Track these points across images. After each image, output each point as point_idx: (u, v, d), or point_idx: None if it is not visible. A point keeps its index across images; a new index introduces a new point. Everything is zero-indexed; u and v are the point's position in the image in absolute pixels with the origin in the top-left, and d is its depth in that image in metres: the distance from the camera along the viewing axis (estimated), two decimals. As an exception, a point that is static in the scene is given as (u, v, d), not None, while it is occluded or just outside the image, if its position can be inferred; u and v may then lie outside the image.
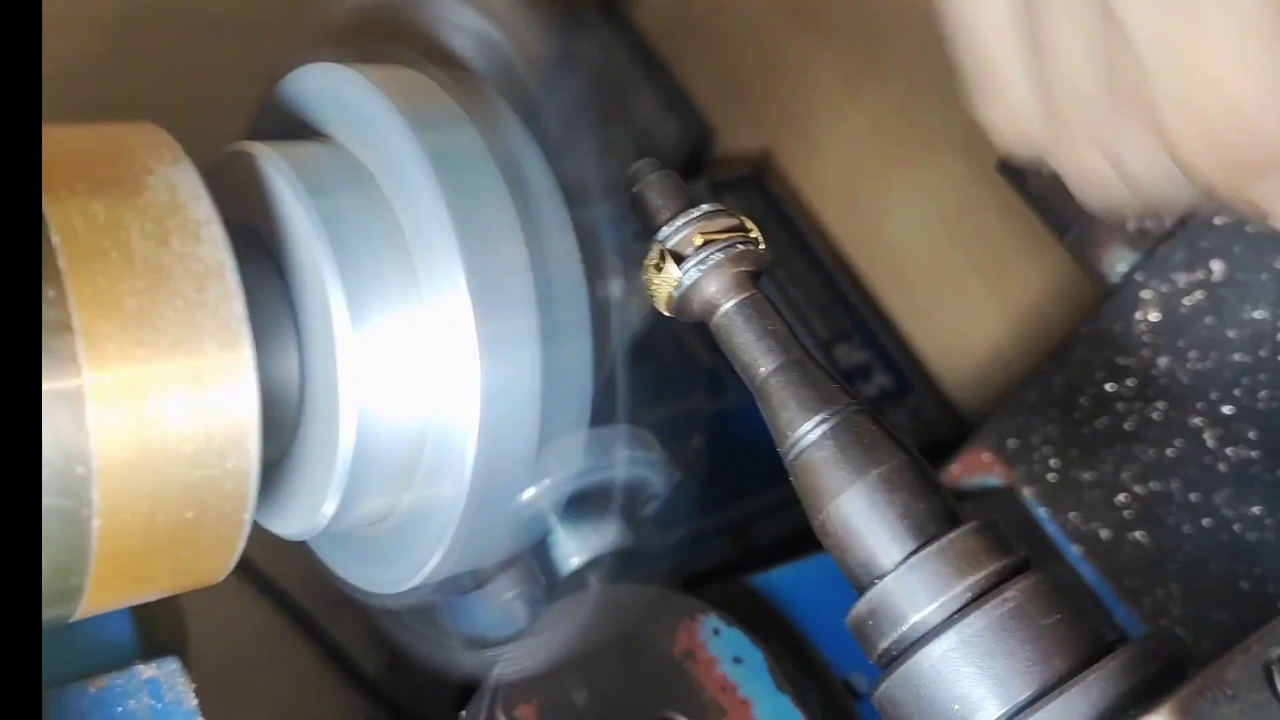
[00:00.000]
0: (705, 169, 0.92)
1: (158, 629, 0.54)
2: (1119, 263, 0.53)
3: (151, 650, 0.42)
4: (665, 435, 0.73)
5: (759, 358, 0.33)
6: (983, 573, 0.30)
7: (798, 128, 0.86)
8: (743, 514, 0.73)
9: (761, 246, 0.35)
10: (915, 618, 0.30)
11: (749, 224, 0.35)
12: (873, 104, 0.80)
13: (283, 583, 0.71)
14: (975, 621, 0.29)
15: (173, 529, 0.29)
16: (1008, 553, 0.30)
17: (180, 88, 0.68)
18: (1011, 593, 0.29)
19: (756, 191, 0.87)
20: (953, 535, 0.30)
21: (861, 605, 0.31)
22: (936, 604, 0.29)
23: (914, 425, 0.79)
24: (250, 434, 0.29)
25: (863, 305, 0.83)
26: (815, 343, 0.80)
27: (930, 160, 0.78)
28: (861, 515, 0.31)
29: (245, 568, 0.70)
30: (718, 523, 0.73)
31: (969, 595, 0.29)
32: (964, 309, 0.78)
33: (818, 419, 0.32)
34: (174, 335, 0.27)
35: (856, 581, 0.31)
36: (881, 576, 0.30)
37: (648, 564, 0.68)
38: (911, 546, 0.30)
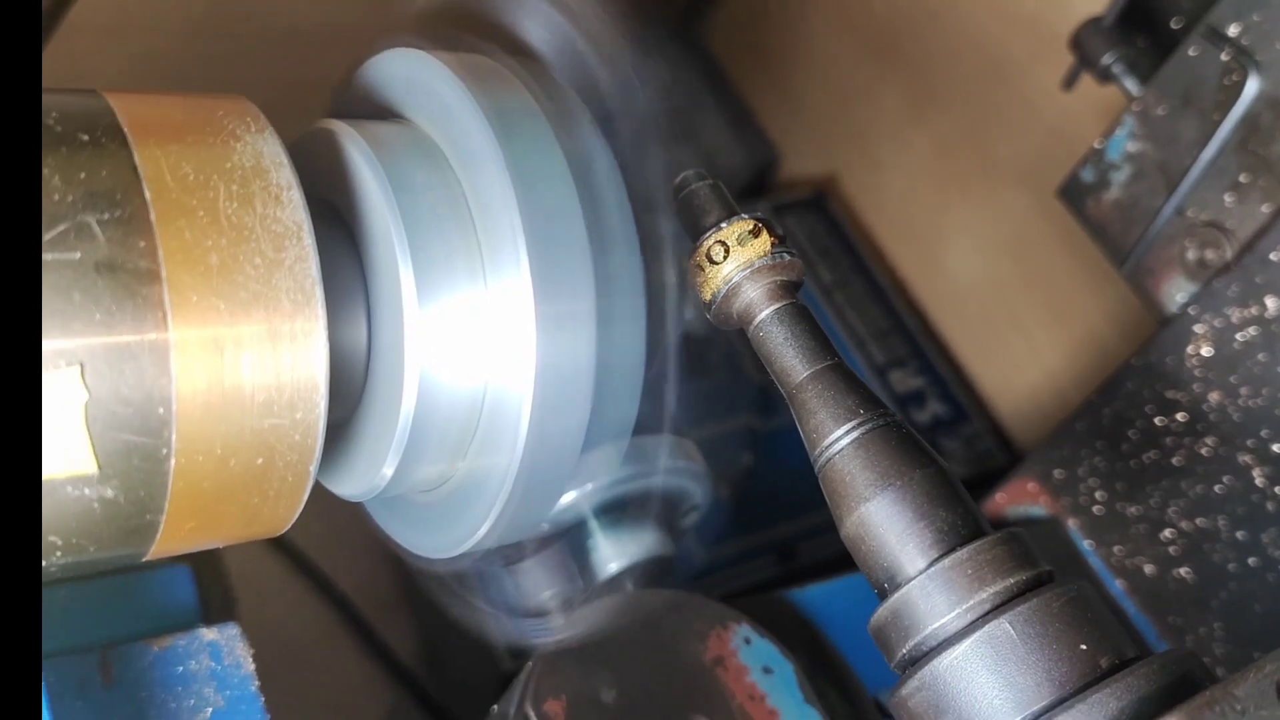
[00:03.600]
0: (769, 191, 0.92)
1: (210, 607, 0.55)
2: (1177, 293, 0.53)
3: (213, 621, 0.44)
4: (716, 450, 0.73)
5: (794, 364, 0.33)
6: (1004, 583, 0.30)
7: (861, 153, 0.86)
8: (789, 534, 0.74)
9: (794, 259, 0.35)
10: (934, 624, 0.30)
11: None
12: (936, 132, 0.81)
13: (332, 577, 0.72)
14: (993, 630, 0.29)
15: (243, 474, 0.30)
16: (1031, 565, 0.30)
17: (259, 94, 0.70)
18: (1031, 604, 0.29)
19: (818, 215, 0.88)
20: (976, 545, 0.30)
21: (883, 611, 0.31)
22: (956, 612, 0.30)
23: (966, 454, 0.79)
24: (319, 388, 0.30)
25: (919, 332, 0.83)
26: (870, 367, 0.81)
27: (992, 189, 0.78)
28: (887, 522, 0.31)
29: (296, 560, 0.72)
30: (764, 541, 0.73)
31: (989, 604, 0.30)
32: (1021, 339, 0.78)
33: (848, 426, 0.32)
34: (253, 290, 0.29)
35: (879, 588, 0.31)
36: (904, 583, 0.31)
37: (690, 576, 0.68)
38: (935, 554, 0.30)
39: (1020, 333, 0.78)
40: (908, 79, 0.81)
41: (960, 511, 0.31)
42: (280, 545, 0.71)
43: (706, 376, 0.75)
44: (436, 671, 0.76)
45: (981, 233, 0.79)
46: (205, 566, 0.56)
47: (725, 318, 0.35)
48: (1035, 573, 0.30)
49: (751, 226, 0.35)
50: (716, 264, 0.35)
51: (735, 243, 0.35)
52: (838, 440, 0.32)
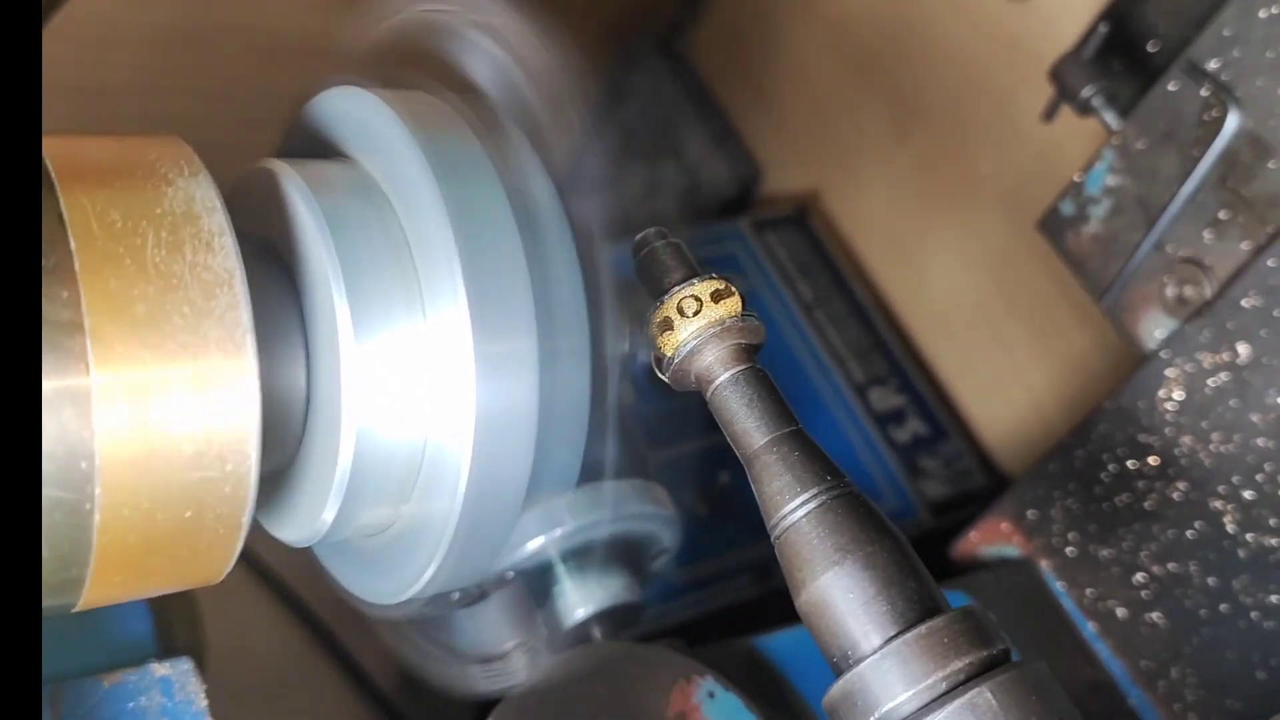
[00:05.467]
0: (751, 207, 0.92)
1: (176, 635, 0.55)
2: (1156, 328, 0.52)
3: (169, 653, 0.43)
4: (691, 470, 0.73)
5: (751, 431, 0.33)
6: (960, 663, 0.29)
7: (844, 170, 0.86)
8: (765, 553, 0.73)
9: (758, 322, 0.35)
10: (888, 705, 0.29)
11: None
12: (920, 149, 0.80)
13: (308, 600, 0.72)
14: (948, 714, 0.28)
15: (171, 527, 0.29)
16: (987, 644, 0.30)
17: (234, 105, 0.69)
18: (987, 686, 0.29)
19: (799, 232, 0.87)
20: (932, 623, 0.30)
21: (837, 689, 0.30)
22: (910, 693, 0.29)
23: (946, 473, 0.78)
24: (250, 439, 0.30)
25: (900, 350, 0.82)
26: (850, 385, 0.80)
27: (976, 208, 0.77)
28: (842, 598, 0.30)
29: (271, 582, 0.72)
30: (741, 561, 0.73)
31: (944, 686, 0.29)
32: (1004, 359, 0.78)
33: (805, 497, 0.32)
34: (180, 340, 0.28)
35: (834, 663, 0.31)
36: (859, 661, 0.30)
37: (664, 599, 0.68)
38: (890, 632, 0.30)
39: (1002, 351, 0.77)
40: (892, 96, 0.80)
41: (916, 587, 0.31)
42: (253, 566, 0.71)
43: (683, 394, 0.75)
44: (412, 695, 0.75)
45: (964, 251, 0.79)
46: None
47: (682, 376, 0.35)
48: (990, 653, 0.30)
49: (722, 286, 0.35)
50: (680, 322, 0.34)
51: (708, 300, 0.34)
52: (793, 511, 0.32)
